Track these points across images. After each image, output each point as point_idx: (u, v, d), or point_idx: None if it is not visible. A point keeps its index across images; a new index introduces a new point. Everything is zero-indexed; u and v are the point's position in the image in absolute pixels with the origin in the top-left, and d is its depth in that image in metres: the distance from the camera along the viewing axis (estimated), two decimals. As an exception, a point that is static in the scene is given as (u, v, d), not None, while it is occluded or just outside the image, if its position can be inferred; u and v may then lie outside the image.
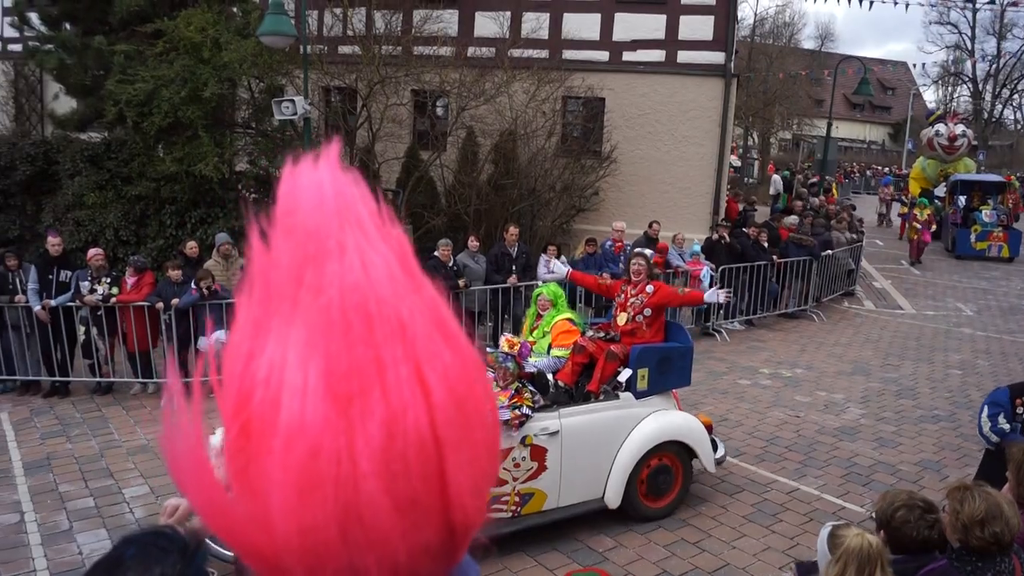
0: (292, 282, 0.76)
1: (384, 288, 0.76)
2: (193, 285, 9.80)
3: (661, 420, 6.73)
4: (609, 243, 12.64)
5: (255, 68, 13.18)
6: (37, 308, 9.83)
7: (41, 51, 14.30)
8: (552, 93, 15.29)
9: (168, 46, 12.88)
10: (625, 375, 6.70)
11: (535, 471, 6.16)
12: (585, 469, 6.40)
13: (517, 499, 6.13)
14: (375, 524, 0.73)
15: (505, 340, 6.35)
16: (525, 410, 6.03)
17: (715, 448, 7.18)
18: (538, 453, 6.16)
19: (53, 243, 10.18)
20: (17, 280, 9.93)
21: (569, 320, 7.48)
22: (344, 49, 15.27)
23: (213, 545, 5.20)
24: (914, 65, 60.01)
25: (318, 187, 0.79)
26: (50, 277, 10.01)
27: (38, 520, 6.71)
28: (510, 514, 6.12)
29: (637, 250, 8.12)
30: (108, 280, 10.06)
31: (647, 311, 7.02)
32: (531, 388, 6.23)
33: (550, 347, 7.29)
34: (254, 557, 0.76)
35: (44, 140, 14.96)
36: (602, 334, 7.10)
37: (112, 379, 10.29)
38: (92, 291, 9.95)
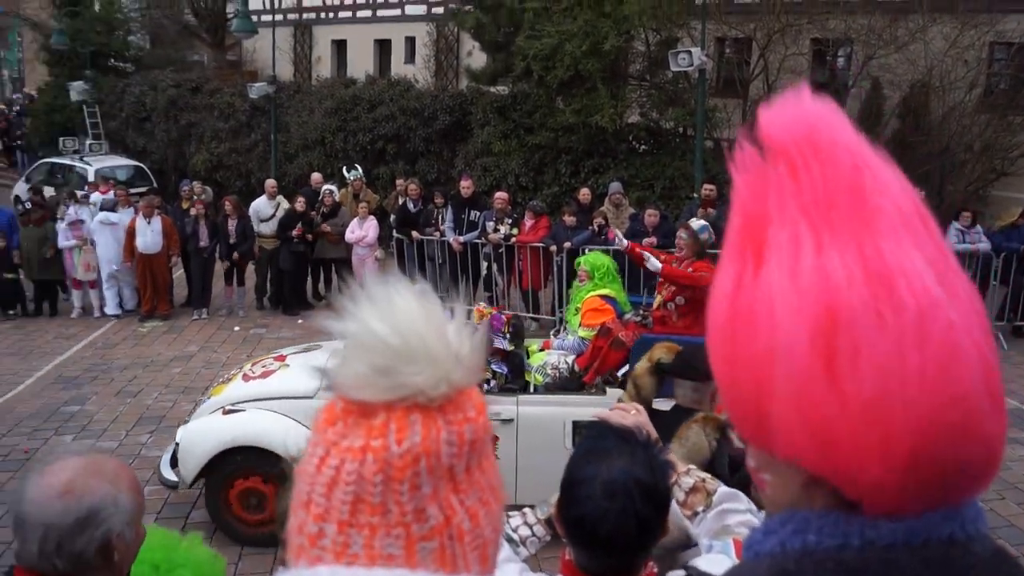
0: (847, 192, 0.81)
1: (915, 194, 0.85)
2: (593, 226, 10.36)
3: None
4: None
5: (653, 20, 13.30)
6: (452, 239, 11.00)
7: (461, 12, 15.73)
8: (978, 39, 13.50)
9: (573, 1, 13.45)
10: (624, 369, 5.63)
11: None
12: (551, 468, 5.26)
13: None
14: (1000, 394, 0.79)
15: (476, 310, 5.88)
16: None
17: None
18: None
19: (465, 186, 11.28)
20: (439, 217, 11.20)
21: (604, 297, 6.57)
22: (743, -2, 14.81)
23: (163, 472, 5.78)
24: None
25: (833, 110, 0.86)
26: (462, 216, 11.12)
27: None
28: None
29: (686, 222, 6.81)
30: (509, 221, 10.91)
31: (679, 298, 5.91)
32: (495, 367, 5.72)
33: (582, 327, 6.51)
34: (881, 457, 0.77)
35: (460, 93, 16.50)
36: (639, 318, 6.15)
37: (507, 312, 11.21)
38: (495, 230, 10.87)
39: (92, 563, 1.60)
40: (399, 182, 12.55)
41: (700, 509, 1.99)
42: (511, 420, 5.52)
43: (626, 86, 14.35)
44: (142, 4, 26.13)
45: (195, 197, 12.40)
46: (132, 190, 13.60)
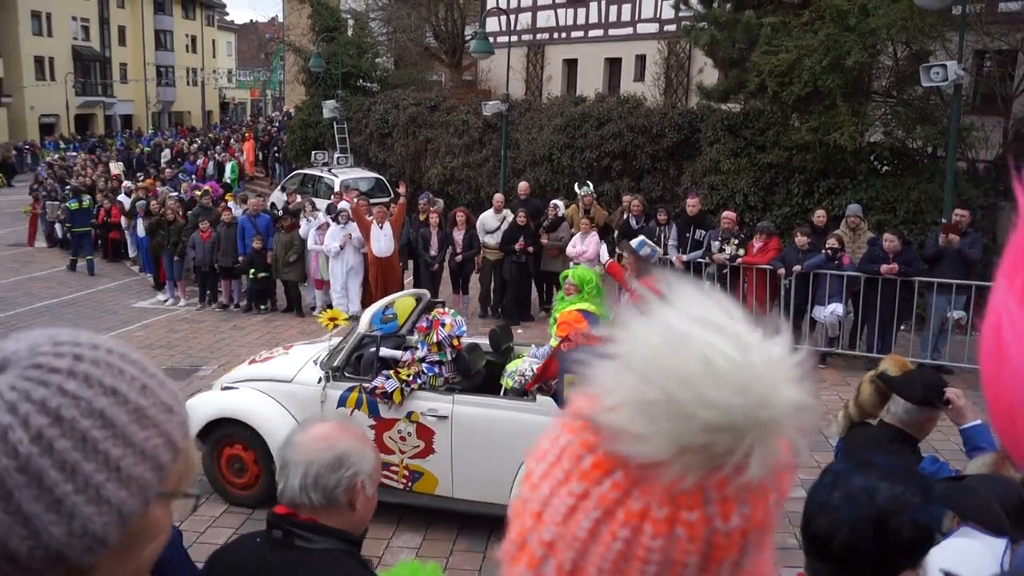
0: None
1: None
2: (827, 249, 9.85)
3: None
4: None
5: (904, 32, 12.43)
6: (674, 257, 10.83)
7: (695, 29, 15.48)
8: None
9: (814, 15, 12.87)
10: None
11: (422, 451, 6.20)
12: (483, 466, 5.98)
13: (406, 473, 6.26)
14: None
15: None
16: (389, 383, 6.00)
17: None
18: (424, 433, 6.16)
19: (692, 204, 11.08)
20: (663, 235, 11.06)
21: (583, 312, 6.44)
22: (1008, 6, 13.51)
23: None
24: None
25: None
26: (687, 235, 10.92)
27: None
28: (400, 486, 6.27)
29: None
30: (736, 242, 10.57)
31: None
32: (426, 368, 6.17)
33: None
34: None
35: (689, 110, 16.24)
36: None
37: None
38: (721, 250, 10.58)
39: (340, 502, 1.84)
40: (625, 198, 12.53)
41: None
42: (447, 417, 6.10)
43: (869, 103, 13.51)
44: (389, 29, 28.03)
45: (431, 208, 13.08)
46: (373, 200, 14.54)
